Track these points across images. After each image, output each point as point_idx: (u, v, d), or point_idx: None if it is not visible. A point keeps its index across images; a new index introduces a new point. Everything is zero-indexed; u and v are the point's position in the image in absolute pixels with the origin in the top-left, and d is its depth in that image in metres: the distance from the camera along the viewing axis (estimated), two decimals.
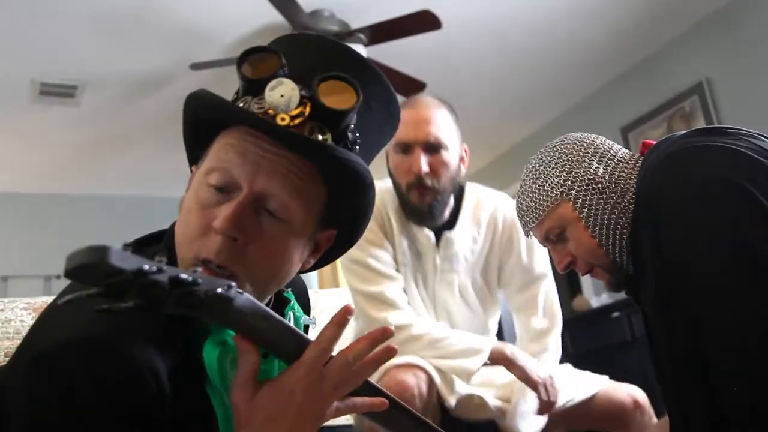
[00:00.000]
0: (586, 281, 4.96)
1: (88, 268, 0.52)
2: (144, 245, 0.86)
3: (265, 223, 0.77)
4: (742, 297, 0.94)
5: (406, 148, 1.60)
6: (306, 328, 0.95)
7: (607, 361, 4.07)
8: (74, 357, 0.68)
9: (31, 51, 3.72)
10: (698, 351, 0.98)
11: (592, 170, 1.18)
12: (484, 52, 4.19)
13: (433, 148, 1.58)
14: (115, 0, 3.32)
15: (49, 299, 1.55)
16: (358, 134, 0.82)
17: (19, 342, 0.75)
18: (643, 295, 1.16)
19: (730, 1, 3.92)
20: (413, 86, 3.92)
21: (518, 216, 1.29)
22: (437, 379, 1.43)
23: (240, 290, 0.65)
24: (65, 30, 3.54)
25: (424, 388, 1.43)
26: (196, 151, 0.85)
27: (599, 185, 1.17)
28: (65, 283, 0.84)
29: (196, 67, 3.72)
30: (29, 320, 1.47)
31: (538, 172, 1.24)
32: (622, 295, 4.08)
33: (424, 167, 1.56)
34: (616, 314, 4.05)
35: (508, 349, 1.54)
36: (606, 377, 1.71)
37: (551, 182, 1.20)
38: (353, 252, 1.53)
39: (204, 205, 0.77)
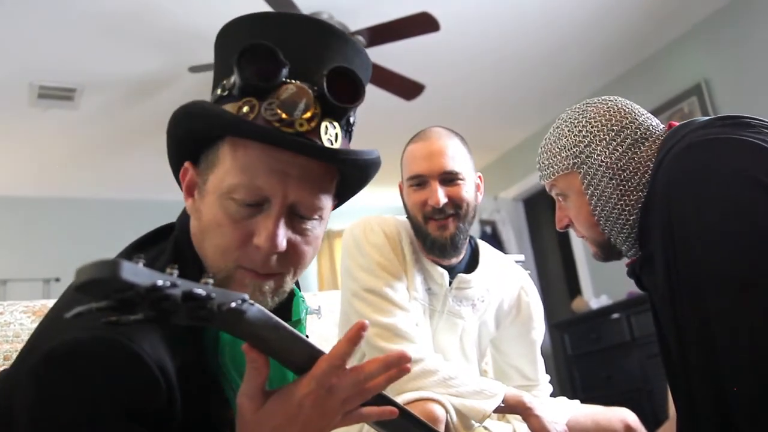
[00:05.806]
0: (585, 283, 4.97)
1: (100, 283, 0.52)
2: (149, 244, 0.87)
3: (298, 227, 0.82)
4: (757, 294, 0.93)
5: (421, 182, 1.55)
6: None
7: (607, 362, 4.08)
8: (84, 355, 0.68)
9: (30, 54, 3.71)
10: (708, 348, 0.97)
11: (608, 152, 1.18)
12: (483, 53, 4.19)
13: (450, 179, 1.54)
14: (113, 3, 3.32)
15: (48, 302, 1.55)
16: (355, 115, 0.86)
17: (18, 345, 0.75)
18: (649, 283, 1.16)
19: (728, 3, 3.93)
20: (412, 88, 3.91)
21: (537, 163, 1.32)
22: (453, 416, 1.39)
23: (252, 302, 0.65)
24: (64, 33, 3.53)
25: (450, 421, 1.38)
26: (183, 160, 0.85)
27: (610, 170, 1.17)
28: (64, 286, 0.84)
29: (195, 69, 3.71)
30: (28, 323, 1.47)
31: (561, 132, 1.25)
32: (622, 296, 4.11)
33: (442, 199, 1.51)
34: (615, 315, 4.05)
35: (527, 397, 1.48)
36: (596, 406, 1.66)
37: (568, 148, 1.22)
38: (368, 280, 1.49)
39: (235, 219, 0.79)
